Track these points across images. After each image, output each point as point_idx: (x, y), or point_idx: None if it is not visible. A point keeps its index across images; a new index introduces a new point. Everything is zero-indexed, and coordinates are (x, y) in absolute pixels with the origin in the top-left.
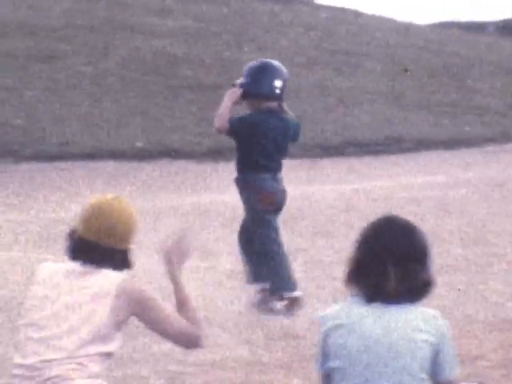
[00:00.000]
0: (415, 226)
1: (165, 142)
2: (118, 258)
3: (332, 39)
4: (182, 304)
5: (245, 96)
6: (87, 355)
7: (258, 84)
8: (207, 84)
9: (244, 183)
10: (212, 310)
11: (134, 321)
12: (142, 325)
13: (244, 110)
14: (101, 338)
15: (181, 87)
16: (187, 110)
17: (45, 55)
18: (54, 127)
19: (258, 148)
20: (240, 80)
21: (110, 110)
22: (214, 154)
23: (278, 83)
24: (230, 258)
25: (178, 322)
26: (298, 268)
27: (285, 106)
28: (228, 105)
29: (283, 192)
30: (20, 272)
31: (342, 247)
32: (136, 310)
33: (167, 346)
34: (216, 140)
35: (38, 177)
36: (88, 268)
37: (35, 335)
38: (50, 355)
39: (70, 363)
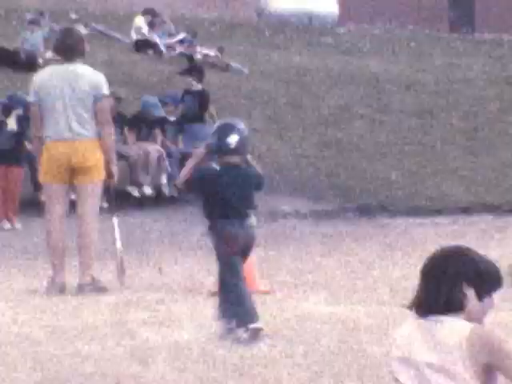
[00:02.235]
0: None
1: None
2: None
3: None
4: None
5: (211, 153)
6: None
7: (217, 141)
8: None
9: (209, 228)
10: None
11: None
12: None
13: None
14: None
15: None
16: None
17: (421, 110)
18: (428, 182)
19: (218, 198)
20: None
21: (485, 163)
22: None
23: (233, 138)
24: None
25: None
26: None
27: (249, 158)
28: (190, 165)
29: (248, 237)
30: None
31: None
32: (490, 359)
33: None
34: None
35: (414, 231)
36: (433, 320)
37: None
38: None
39: None
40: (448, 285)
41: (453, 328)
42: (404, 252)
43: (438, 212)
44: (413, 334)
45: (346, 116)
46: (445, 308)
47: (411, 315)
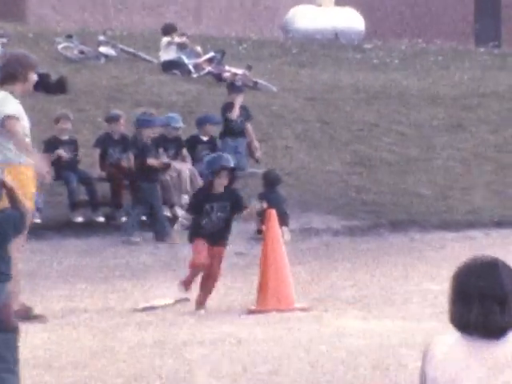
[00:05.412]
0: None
1: None
2: None
3: None
4: None
5: None
6: None
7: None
8: None
9: None
10: None
11: None
12: None
13: None
14: None
15: None
16: None
17: (450, 124)
18: (460, 196)
19: None
20: None
21: None
22: None
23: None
24: None
25: None
26: None
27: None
28: None
29: None
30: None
31: None
32: None
33: None
34: None
35: (447, 246)
36: (489, 339)
37: None
38: None
39: None
40: (508, 305)
41: (505, 346)
42: (438, 266)
43: (471, 226)
44: (460, 355)
45: (375, 132)
46: (503, 328)
47: (451, 332)
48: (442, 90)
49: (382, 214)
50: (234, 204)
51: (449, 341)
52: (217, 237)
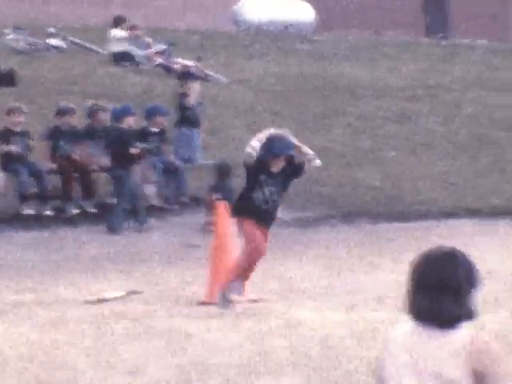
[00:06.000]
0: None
1: None
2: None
3: None
4: None
5: None
6: None
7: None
8: None
9: None
10: None
11: None
12: None
13: None
14: None
15: None
16: None
17: (400, 115)
18: (411, 187)
19: None
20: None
21: (466, 167)
22: None
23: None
24: None
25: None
26: None
27: None
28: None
29: None
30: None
31: None
32: (483, 368)
33: None
34: None
35: (398, 237)
36: (434, 327)
37: None
38: None
39: None
40: (462, 295)
41: (454, 335)
42: (390, 257)
43: (422, 217)
44: (410, 341)
45: (325, 123)
46: (456, 318)
47: (405, 320)
48: (391, 81)
49: (334, 206)
50: (294, 171)
51: (405, 330)
52: (268, 215)
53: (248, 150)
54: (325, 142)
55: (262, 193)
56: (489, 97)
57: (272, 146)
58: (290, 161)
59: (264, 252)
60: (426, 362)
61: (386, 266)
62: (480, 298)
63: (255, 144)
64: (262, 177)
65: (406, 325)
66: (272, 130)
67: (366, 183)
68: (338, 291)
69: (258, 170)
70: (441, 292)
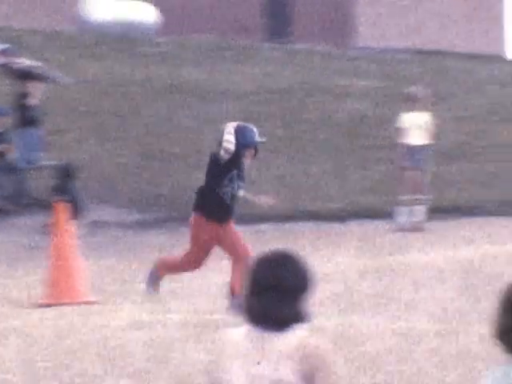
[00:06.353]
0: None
1: (361, 203)
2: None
3: None
4: None
5: None
6: None
7: None
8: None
9: None
10: None
11: None
12: None
13: None
14: None
15: (373, 147)
16: (378, 169)
17: (243, 119)
18: (252, 189)
19: None
20: None
21: (307, 171)
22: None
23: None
24: None
25: None
26: None
27: None
28: None
29: None
30: None
31: None
32: (310, 370)
33: None
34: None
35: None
36: (269, 330)
37: None
38: None
39: None
40: (295, 298)
41: (287, 338)
42: (225, 259)
43: (261, 220)
44: (245, 345)
45: (168, 125)
46: (289, 320)
47: (242, 324)
48: (235, 84)
49: (175, 208)
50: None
51: (238, 333)
52: (232, 210)
53: (227, 145)
54: (167, 144)
55: (231, 188)
56: (328, 102)
57: (244, 137)
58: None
59: (199, 267)
60: (261, 366)
61: (219, 269)
62: (315, 300)
63: (230, 138)
64: (235, 172)
65: (241, 328)
66: (235, 123)
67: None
68: (176, 293)
69: (232, 164)
70: (273, 294)
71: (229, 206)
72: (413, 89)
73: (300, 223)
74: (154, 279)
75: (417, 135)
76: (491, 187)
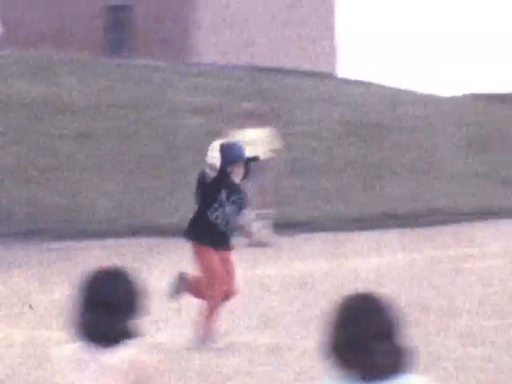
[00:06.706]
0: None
1: None
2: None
3: (357, 113)
4: None
5: None
6: None
7: None
8: None
9: None
10: None
11: None
12: None
13: None
14: None
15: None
16: None
17: (81, 134)
18: (88, 205)
19: None
20: None
21: (145, 187)
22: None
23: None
24: None
25: None
26: None
27: None
28: None
29: None
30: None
31: None
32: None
33: None
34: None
35: (79, 254)
36: (100, 346)
37: None
38: None
39: None
40: (124, 314)
41: (115, 354)
42: (68, 274)
43: (104, 234)
44: (77, 360)
45: (1, 140)
46: (117, 336)
47: (74, 341)
48: (72, 99)
49: (15, 224)
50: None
51: (69, 350)
52: (226, 236)
53: (212, 161)
54: (10, 159)
55: (221, 212)
56: (165, 117)
57: (230, 153)
58: (246, 167)
59: (223, 277)
60: (88, 381)
61: (62, 284)
62: (148, 316)
63: (215, 154)
64: (224, 192)
65: (74, 344)
66: (222, 141)
67: (47, 201)
68: (23, 310)
69: (219, 183)
70: (102, 311)
71: (221, 232)
72: (248, 105)
73: (138, 238)
74: (179, 288)
75: (253, 151)
76: (326, 203)
